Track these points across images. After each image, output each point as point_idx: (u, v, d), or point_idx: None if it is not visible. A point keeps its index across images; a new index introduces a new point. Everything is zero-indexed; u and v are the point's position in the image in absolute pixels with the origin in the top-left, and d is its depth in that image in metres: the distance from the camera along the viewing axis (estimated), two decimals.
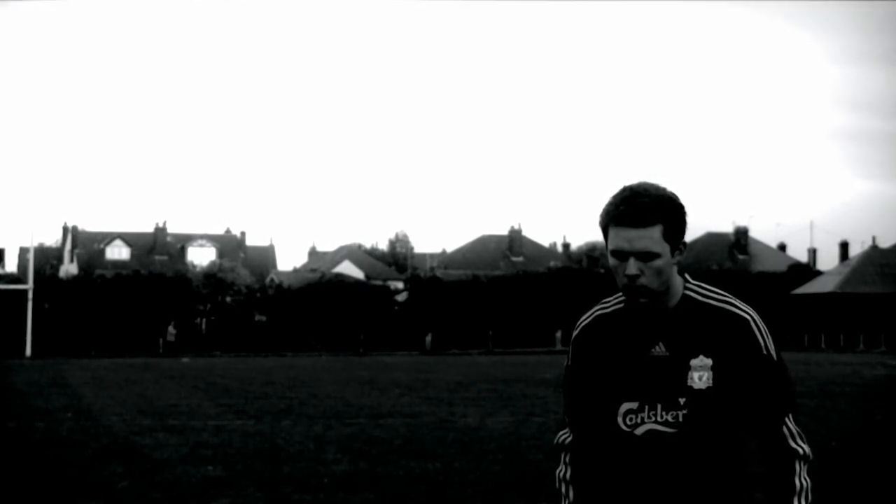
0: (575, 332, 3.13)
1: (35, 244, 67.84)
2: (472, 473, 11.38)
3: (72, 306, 58.81)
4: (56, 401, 22.04)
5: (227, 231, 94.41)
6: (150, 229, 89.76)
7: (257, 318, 63.97)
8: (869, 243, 73.89)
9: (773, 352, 2.94)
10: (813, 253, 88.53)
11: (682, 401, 2.90)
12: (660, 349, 2.94)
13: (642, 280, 2.87)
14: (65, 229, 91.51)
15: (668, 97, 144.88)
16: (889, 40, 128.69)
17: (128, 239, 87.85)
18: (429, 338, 61.62)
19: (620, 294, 2.99)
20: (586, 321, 3.10)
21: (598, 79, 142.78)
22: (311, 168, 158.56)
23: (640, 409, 2.93)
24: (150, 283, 61.95)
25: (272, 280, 76.94)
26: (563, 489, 3.15)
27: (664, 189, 2.90)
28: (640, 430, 2.92)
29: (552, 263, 78.89)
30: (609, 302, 3.09)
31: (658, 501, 2.90)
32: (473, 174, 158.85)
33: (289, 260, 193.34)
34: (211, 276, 65.82)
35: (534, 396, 22.54)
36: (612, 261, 2.91)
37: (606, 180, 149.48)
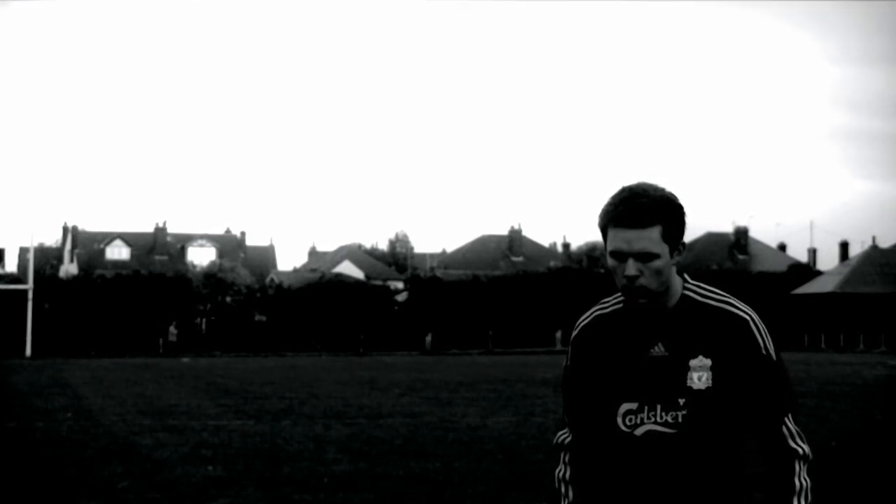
0: (574, 333, 3.13)
1: (35, 244, 67.88)
2: (472, 473, 11.38)
3: (72, 306, 58.81)
4: (56, 401, 22.05)
5: (227, 231, 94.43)
6: (150, 229, 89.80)
7: (257, 318, 63.96)
8: (869, 243, 73.95)
9: (772, 352, 2.94)
10: (813, 253, 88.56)
11: (681, 401, 2.90)
12: (659, 349, 2.94)
13: (641, 281, 2.87)
14: (65, 229, 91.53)
15: (668, 97, 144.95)
16: (889, 40, 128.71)
17: (128, 239, 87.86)
18: (429, 338, 61.62)
19: (619, 294, 2.99)
20: (585, 321, 3.10)
21: (598, 79, 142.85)
22: (311, 168, 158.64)
23: (640, 410, 2.93)
24: (150, 283, 61.95)
25: (272, 280, 76.94)
26: (563, 489, 3.15)
27: (663, 189, 2.90)
28: (639, 431, 2.92)
29: (552, 263, 78.90)
30: (608, 302, 3.09)
31: (658, 502, 2.90)
32: (473, 174, 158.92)
33: (289, 260, 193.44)
34: (211, 276, 65.82)
35: (534, 396, 22.53)
36: (611, 261, 2.91)
37: (606, 180, 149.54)
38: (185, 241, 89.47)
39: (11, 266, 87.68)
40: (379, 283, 73.38)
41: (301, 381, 29.54)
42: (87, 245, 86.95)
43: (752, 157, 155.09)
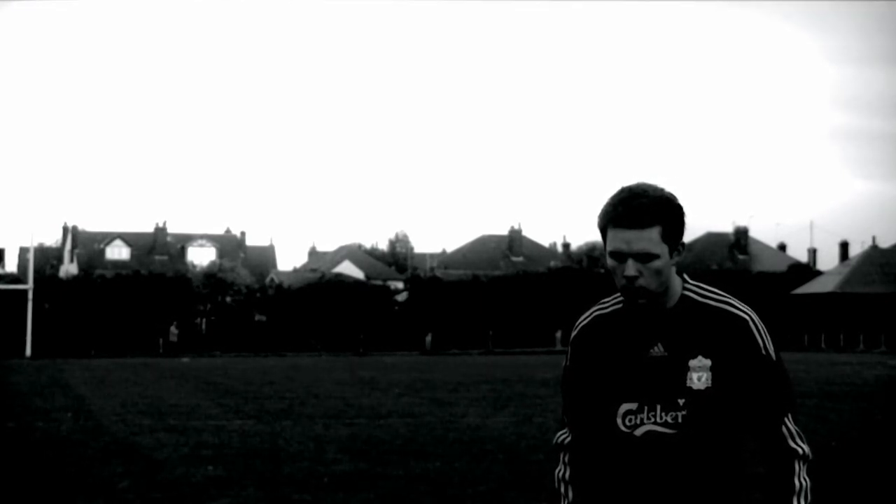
0: (573, 333, 3.12)
1: (35, 244, 67.91)
2: (472, 473, 11.38)
3: (72, 306, 58.81)
4: (56, 401, 22.05)
5: (227, 231, 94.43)
6: (150, 229, 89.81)
7: (257, 318, 63.97)
8: (869, 243, 73.95)
9: (771, 352, 2.94)
10: (813, 253, 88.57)
11: (681, 402, 2.90)
12: (658, 350, 2.94)
13: (641, 281, 2.87)
14: (65, 229, 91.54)
15: (668, 97, 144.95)
16: (889, 40, 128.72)
17: (128, 239, 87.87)
18: (429, 338, 61.62)
19: (619, 294, 2.99)
20: (585, 321, 3.10)
21: (598, 79, 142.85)
22: (311, 168, 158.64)
23: (640, 410, 2.92)
24: (150, 283, 61.95)
25: (272, 280, 76.95)
26: (563, 489, 3.15)
27: (662, 190, 2.90)
28: (639, 432, 2.92)
29: (552, 263, 78.92)
30: (608, 302, 3.08)
31: (658, 502, 2.90)
32: (473, 174, 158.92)
33: (289, 260, 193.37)
34: (211, 276, 65.83)
35: (534, 396, 22.54)
36: (610, 262, 2.91)
37: (606, 180, 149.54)
38: (185, 241, 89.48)
39: (11, 266, 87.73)
40: (379, 283, 73.39)
41: (301, 381, 29.54)
42: (87, 245, 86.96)
43: (752, 157, 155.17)
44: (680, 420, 2.89)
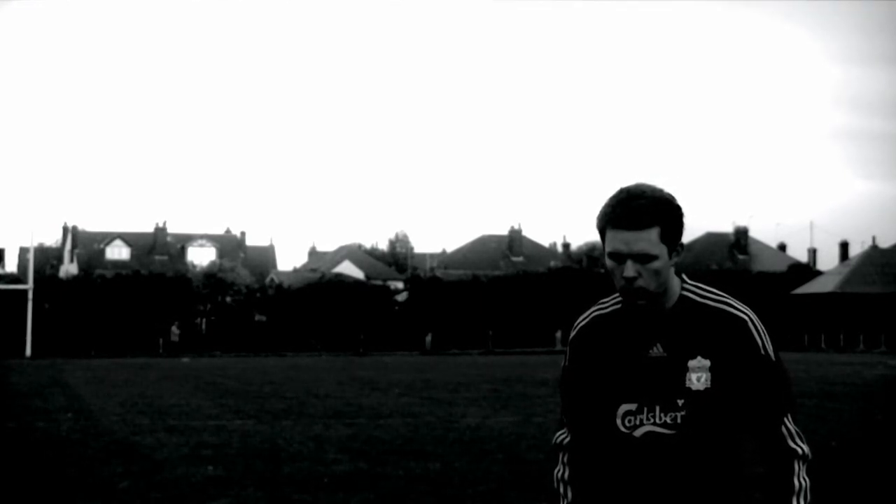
0: (572, 333, 3.12)
1: (35, 244, 67.90)
2: (472, 473, 11.38)
3: (72, 306, 58.80)
4: (56, 401, 22.05)
5: (227, 231, 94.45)
6: (150, 229, 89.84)
7: (257, 318, 63.96)
8: (869, 243, 73.94)
9: (771, 352, 2.94)
10: (813, 253, 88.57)
11: (680, 402, 2.90)
12: (657, 350, 2.94)
13: (640, 282, 2.87)
14: (65, 229, 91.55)
15: (668, 97, 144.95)
16: (889, 40, 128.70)
17: (128, 239, 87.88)
18: (429, 338, 61.62)
19: (618, 295, 2.99)
20: (584, 322, 3.10)
21: (597, 79, 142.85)
22: (311, 168, 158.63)
23: (639, 411, 2.92)
24: (150, 283, 61.94)
25: (272, 280, 76.95)
26: (562, 489, 3.15)
27: (661, 190, 2.90)
28: (638, 432, 2.92)
29: (552, 263, 78.93)
30: (606, 302, 3.08)
31: (657, 503, 2.90)
32: (473, 174, 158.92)
33: (289, 260, 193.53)
34: (211, 276, 65.82)
35: (534, 396, 22.54)
36: (609, 263, 2.91)
37: (606, 180, 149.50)
38: (185, 241, 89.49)
39: (11, 266, 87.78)
40: (379, 283, 73.38)
41: (301, 381, 29.54)
42: (87, 245, 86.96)
43: (752, 157, 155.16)
44: (679, 421, 2.89)
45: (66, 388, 26.96)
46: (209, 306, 64.07)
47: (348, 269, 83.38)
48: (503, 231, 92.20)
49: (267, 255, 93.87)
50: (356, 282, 70.60)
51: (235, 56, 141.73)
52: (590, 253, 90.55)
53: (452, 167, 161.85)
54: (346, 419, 17.54)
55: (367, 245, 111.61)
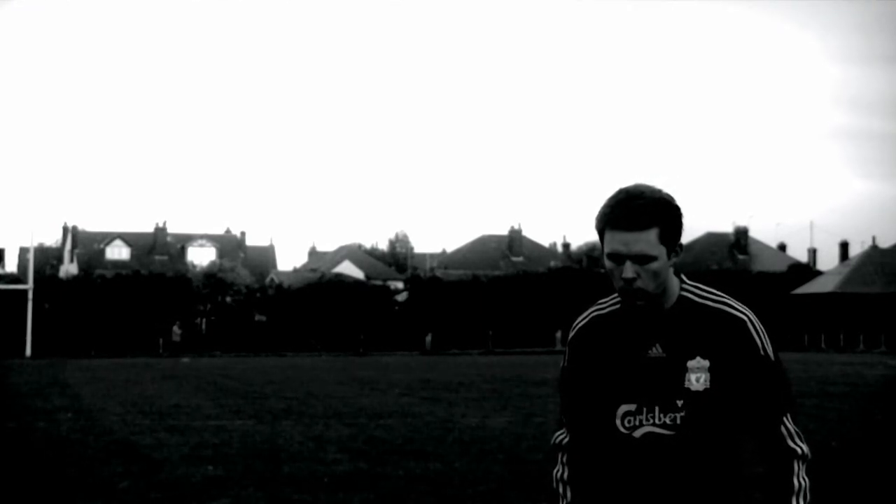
0: (571, 334, 3.12)
1: (35, 244, 67.91)
2: (472, 473, 11.38)
3: (72, 306, 58.79)
4: (56, 401, 22.05)
5: (227, 231, 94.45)
6: (150, 229, 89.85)
7: (257, 318, 63.96)
8: (869, 243, 73.93)
9: (770, 352, 2.94)
10: (813, 253, 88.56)
11: (679, 403, 2.90)
12: (657, 351, 2.94)
13: (639, 283, 2.87)
14: (65, 229, 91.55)
15: (668, 97, 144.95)
16: (889, 40, 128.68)
17: (128, 239, 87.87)
18: (429, 338, 61.61)
19: (617, 295, 2.99)
20: (582, 322, 3.10)
21: (597, 79, 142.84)
22: (311, 168, 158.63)
23: (639, 412, 2.92)
24: (150, 283, 61.94)
25: (272, 280, 76.95)
26: (561, 489, 3.15)
27: (660, 191, 2.90)
28: (638, 433, 2.92)
29: (552, 263, 78.92)
30: (605, 303, 3.08)
31: (657, 503, 2.90)
32: (473, 174, 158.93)
33: (289, 260, 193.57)
34: (211, 276, 65.81)
35: (534, 396, 22.54)
36: (608, 264, 2.90)
37: (606, 180, 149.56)
38: (185, 241, 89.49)
39: (11, 266, 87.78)
40: (379, 283, 73.38)
41: (301, 381, 29.54)
42: (87, 245, 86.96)
43: (752, 157, 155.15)
44: (679, 421, 2.89)
45: (66, 388, 26.96)
46: (209, 306, 64.07)
47: (348, 269, 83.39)
48: (503, 231, 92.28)
49: (267, 255, 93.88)
50: (356, 282, 70.60)
51: (235, 56, 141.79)
52: (590, 253, 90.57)
53: (452, 167, 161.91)
54: (346, 419, 17.54)
55: (367, 245, 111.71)
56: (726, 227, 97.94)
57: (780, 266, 79.03)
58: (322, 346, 61.00)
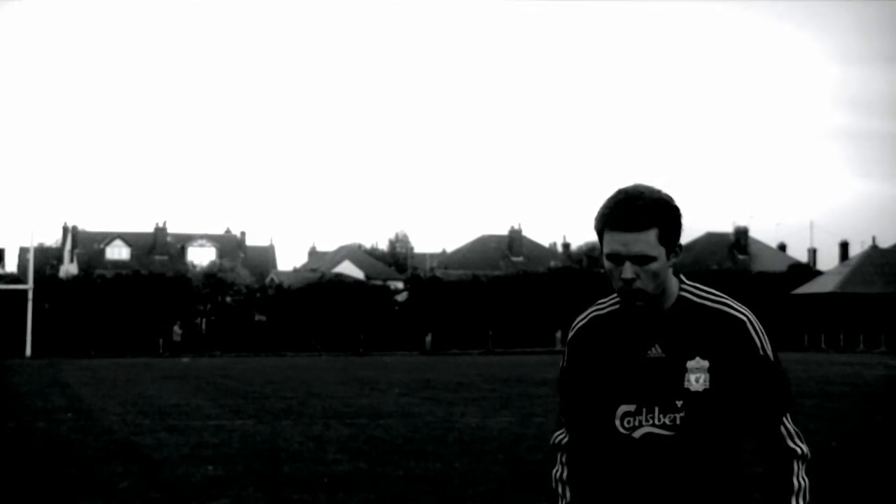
0: (570, 334, 3.12)
1: (35, 244, 67.91)
2: (472, 473, 11.38)
3: (72, 306, 58.79)
4: (56, 401, 22.05)
5: (227, 231, 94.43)
6: (150, 229, 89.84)
7: (257, 318, 63.96)
8: (869, 243, 73.91)
9: (769, 352, 2.94)
10: (813, 253, 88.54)
11: (679, 403, 2.90)
12: (656, 351, 2.94)
13: (638, 283, 2.87)
14: (65, 229, 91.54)
15: (668, 97, 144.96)
16: (889, 40, 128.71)
17: (128, 239, 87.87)
18: (429, 338, 61.61)
19: (616, 295, 2.99)
20: (582, 322, 3.10)
21: (597, 79, 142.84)
22: (311, 168, 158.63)
23: (638, 412, 2.92)
24: (150, 283, 61.94)
25: (272, 280, 76.94)
26: (560, 489, 3.15)
27: (659, 192, 2.90)
28: (638, 434, 2.91)
29: (552, 263, 78.91)
30: (605, 303, 3.08)
31: (656, 503, 2.90)
32: (473, 174, 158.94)
33: (289, 260, 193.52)
34: (211, 276, 65.81)
35: (534, 396, 22.54)
36: (607, 264, 2.90)
37: (606, 180, 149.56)
38: (185, 241, 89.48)
39: (11, 266, 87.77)
40: (379, 283, 73.37)
41: (301, 381, 29.54)
42: (87, 245, 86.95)
43: (752, 157, 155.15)
44: (678, 422, 2.89)
45: (66, 388, 26.96)
46: (209, 306, 64.07)
47: (348, 269, 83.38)
48: (503, 231, 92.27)
49: (267, 255, 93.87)
50: (356, 282, 70.59)
51: (235, 56, 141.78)
52: (590, 253, 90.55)
53: (452, 167, 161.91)
54: (346, 419, 17.54)
55: (367, 245, 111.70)
56: (726, 227, 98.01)
57: (780, 266, 79.01)
58: (322, 346, 61.00)
